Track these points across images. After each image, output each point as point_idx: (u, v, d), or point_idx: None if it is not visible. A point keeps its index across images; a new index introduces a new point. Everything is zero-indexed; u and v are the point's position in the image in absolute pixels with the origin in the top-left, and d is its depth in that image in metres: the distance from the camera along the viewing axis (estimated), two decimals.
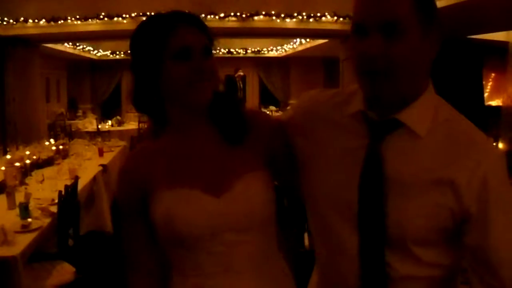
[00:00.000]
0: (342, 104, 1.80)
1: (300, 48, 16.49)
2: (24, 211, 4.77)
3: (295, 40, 16.07)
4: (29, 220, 4.71)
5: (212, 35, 1.90)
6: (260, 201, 1.82)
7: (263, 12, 10.52)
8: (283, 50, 18.38)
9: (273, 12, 10.62)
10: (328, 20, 10.36)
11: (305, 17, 10.75)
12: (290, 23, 10.88)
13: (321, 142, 1.81)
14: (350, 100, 1.78)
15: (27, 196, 5.20)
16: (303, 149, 1.88)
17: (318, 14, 10.51)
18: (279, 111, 17.59)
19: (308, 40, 15.12)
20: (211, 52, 1.86)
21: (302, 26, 10.93)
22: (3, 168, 6.37)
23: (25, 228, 4.60)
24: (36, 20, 10.71)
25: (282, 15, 10.67)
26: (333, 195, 1.74)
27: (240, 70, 17.97)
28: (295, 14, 10.73)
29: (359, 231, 1.67)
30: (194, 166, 1.85)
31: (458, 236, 1.60)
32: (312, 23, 10.77)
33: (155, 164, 1.86)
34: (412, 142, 1.64)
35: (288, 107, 1.79)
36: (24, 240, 4.35)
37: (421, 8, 1.57)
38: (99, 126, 15.09)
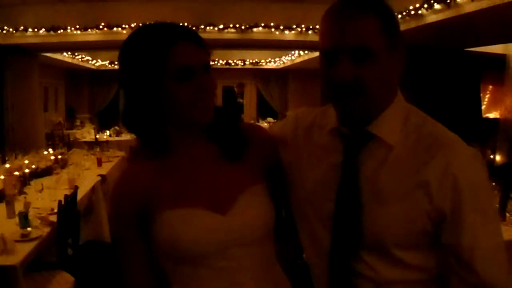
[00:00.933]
0: (321, 123, 1.90)
1: (298, 60, 16.49)
2: (24, 220, 4.77)
3: (293, 52, 16.08)
4: (29, 229, 4.72)
5: (209, 48, 1.85)
6: (263, 214, 1.83)
7: (262, 24, 10.58)
8: (282, 62, 18.40)
9: (272, 24, 10.68)
10: None
11: (303, 29, 10.83)
12: (289, 35, 10.95)
13: (303, 159, 1.90)
14: (327, 119, 1.87)
15: (27, 205, 5.20)
16: (288, 164, 1.97)
17: (317, 27, 10.34)
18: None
19: (306, 52, 15.15)
20: (209, 69, 1.82)
21: (300, 38, 11.00)
22: (2, 177, 6.36)
23: (25, 237, 4.60)
24: (36, 29, 10.74)
25: (281, 27, 10.74)
26: (315, 208, 1.83)
27: (243, 86, 17.98)
28: (294, 26, 10.80)
29: (331, 239, 1.76)
30: (196, 184, 1.82)
31: (437, 237, 1.64)
32: (310, 35, 10.87)
33: (154, 183, 1.81)
34: (385, 151, 1.71)
35: (275, 122, 1.81)
36: (24, 249, 4.35)
37: (388, 31, 1.64)
38: (97, 136, 15.08)
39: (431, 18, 8.16)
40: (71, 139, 15.21)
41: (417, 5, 8.28)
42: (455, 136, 1.70)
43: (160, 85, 1.73)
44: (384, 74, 1.65)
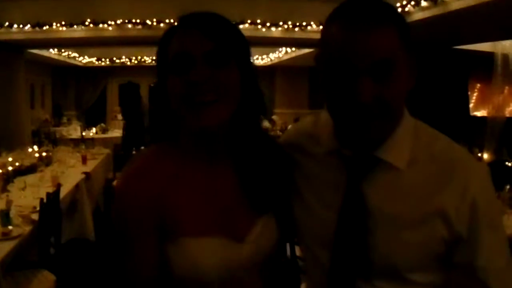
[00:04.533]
0: (317, 139, 1.74)
1: (285, 57, 16.48)
2: (5, 218, 4.71)
3: (280, 49, 16.05)
4: (10, 227, 4.66)
5: (231, 39, 1.59)
6: (275, 240, 1.74)
7: (249, 21, 10.51)
8: (269, 59, 18.38)
9: (258, 21, 10.62)
10: (313, 29, 10.35)
11: (290, 26, 10.76)
12: (275, 32, 10.89)
13: (303, 173, 1.76)
14: (323, 135, 1.71)
15: (8, 203, 5.13)
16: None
17: (304, 23, 10.53)
18: (264, 120, 17.59)
19: (293, 49, 15.14)
20: (223, 61, 1.55)
21: (287, 35, 10.95)
22: None
23: (6, 236, 4.54)
24: (21, 26, 10.64)
25: (268, 24, 10.68)
26: (314, 228, 1.71)
27: None
28: (281, 23, 10.74)
29: (330, 264, 1.65)
30: (214, 207, 1.66)
31: (449, 256, 1.57)
32: (297, 32, 10.79)
33: (171, 194, 1.62)
34: (394, 176, 1.59)
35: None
36: (4, 248, 4.30)
37: (405, 42, 1.48)
38: (84, 134, 15.03)
39: (418, 15, 8.16)
40: (58, 136, 15.17)
41: (404, 2, 8.28)
42: (467, 153, 1.63)
43: (164, 80, 1.60)
44: (405, 89, 1.50)
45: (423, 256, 1.55)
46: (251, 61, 1.69)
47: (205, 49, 1.52)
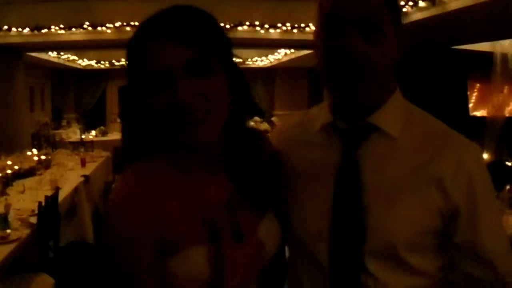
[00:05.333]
0: (309, 123, 1.76)
1: (285, 59, 16.46)
2: (3, 221, 4.72)
3: (279, 51, 16.04)
4: (8, 231, 4.67)
5: (210, 39, 1.46)
6: (279, 241, 1.72)
7: (247, 23, 10.49)
8: (268, 61, 18.38)
9: (257, 23, 10.59)
10: (312, 30, 10.04)
11: (289, 27, 10.74)
12: (274, 33, 10.86)
13: (294, 162, 1.75)
14: (317, 116, 1.74)
15: (7, 206, 5.14)
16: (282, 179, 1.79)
17: (302, 25, 10.53)
18: (264, 122, 17.60)
19: (292, 50, 15.12)
20: (206, 67, 1.42)
21: (286, 36, 10.92)
22: None
23: (4, 239, 4.56)
24: (20, 29, 10.64)
25: (266, 26, 10.65)
26: (309, 219, 1.67)
27: None
28: (279, 25, 10.71)
29: (329, 248, 1.60)
30: (216, 212, 1.57)
31: (445, 239, 1.57)
32: (296, 34, 10.79)
33: (170, 207, 1.51)
34: (388, 145, 1.60)
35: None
36: (3, 251, 4.31)
37: (392, 6, 1.53)
38: (83, 136, 15.03)
39: (416, 16, 8.14)
40: (57, 139, 15.15)
41: (402, 3, 8.25)
42: (459, 134, 1.63)
43: (141, 94, 1.45)
44: (391, 54, 1.52)
45: (420, 232, 1.54)
46: (232, 53, 1.58)
47: (186, 58, 1.39)
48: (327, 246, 1.60)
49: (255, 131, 1.79)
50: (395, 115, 1.62)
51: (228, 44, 1.56)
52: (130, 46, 1.47)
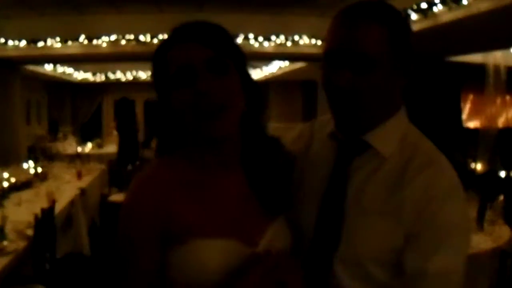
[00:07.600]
0: (328, 124, 1.85)
1: (279, 72, 16.43)
2: (0, 233, 4.74)
3: (274, 64, 16.04)
4: (5, 243, 4.70)
5: (228, 44, 1.65)
6: (289, 244, 1.73)
7: (241, 36, 10.50)
8: (262, 74, 18.35)
9: (251, 36, 10.61)
10: (305, 43, 10.40)
11: (282, 40, 10.76)
12: (268, 47, 10.88)
13: (308, 160, 1.87)
14: (330, 120, 1.82)
15: (3, 218, 5.15)
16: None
17: (296, 38, 10.58)
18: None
19: (287, 63, 15.15)
20: (224, 67, 1.60)
21: (279, 49, 10.94)
22: None
23: (0, 251, 4.57)
24: (16, 42, 10.67)
25: (260, 39, 10.69)
26: (302, 219, 1.76)
27: None
28: (273, 38, 10.74)
29: (308, 248, 1.72)
30: (225, 211, 1.67)
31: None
32: (290, 47, 10.81)
33: (183, 199, 1.63)
34: (377, 163, 1.68)
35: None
36: None
37: (394, 42, 1.62)
38: (79, 149, 15.03)
39: None
40: (54, 152, 15.12)
41: None
42: (444, 159, 1.66)
43: (166, 95, 1.64)
44: (384, 86, 1.62)
45: (386, 250, 1.59)
46: (246, 61, 1.75)
47: (205, 57, 1.57)
48: (308, 245, 1.72)
49: (273, 137, 1.87)
50: (390, 135, 1.70)
51: (241, 52, 1.73)
52: (158, 51, 1.66)
